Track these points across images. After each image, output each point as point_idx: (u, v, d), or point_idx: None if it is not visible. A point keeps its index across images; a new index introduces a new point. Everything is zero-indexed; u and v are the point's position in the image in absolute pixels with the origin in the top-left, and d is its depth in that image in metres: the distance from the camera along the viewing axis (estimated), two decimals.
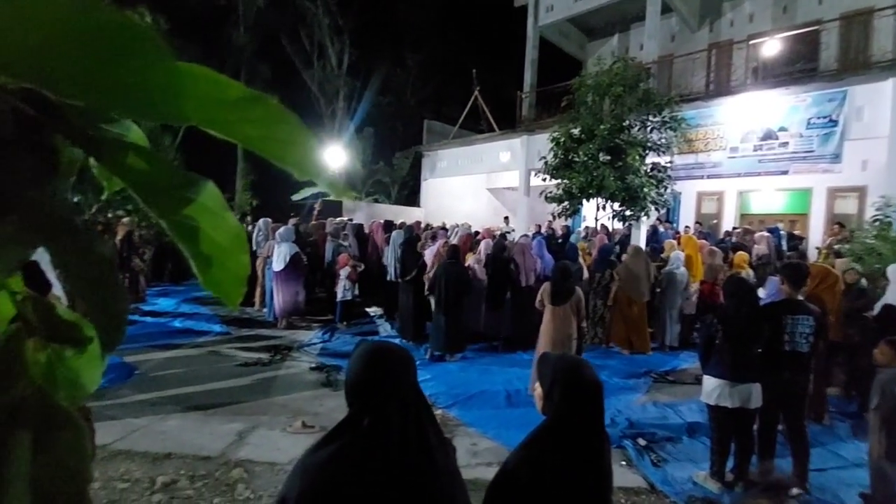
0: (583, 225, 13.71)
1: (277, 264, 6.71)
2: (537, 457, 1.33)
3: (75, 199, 8.33)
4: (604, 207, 9.28)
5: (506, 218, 14.21)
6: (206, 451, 3.41)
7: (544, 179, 9.82)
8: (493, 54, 18.38)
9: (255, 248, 7.87)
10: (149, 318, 6.99)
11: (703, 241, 7.89)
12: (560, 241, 9.18)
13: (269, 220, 8.21)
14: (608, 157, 8.76)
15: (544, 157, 9.78)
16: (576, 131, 9.28)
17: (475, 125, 16.75)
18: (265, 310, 7.45)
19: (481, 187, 17.28)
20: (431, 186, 16.75)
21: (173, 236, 0.42)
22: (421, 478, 1.05)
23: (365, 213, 13.44)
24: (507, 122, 14.95)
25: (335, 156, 14.55)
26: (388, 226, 9.72)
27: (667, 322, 6.70)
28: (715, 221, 12.35)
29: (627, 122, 8.88)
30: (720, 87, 11.62)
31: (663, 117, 8.93)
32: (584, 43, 16.53)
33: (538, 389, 1.44)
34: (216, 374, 5.00)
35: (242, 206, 14.36)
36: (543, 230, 10.99)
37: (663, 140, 9.11)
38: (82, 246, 0.43)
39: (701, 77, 11.95)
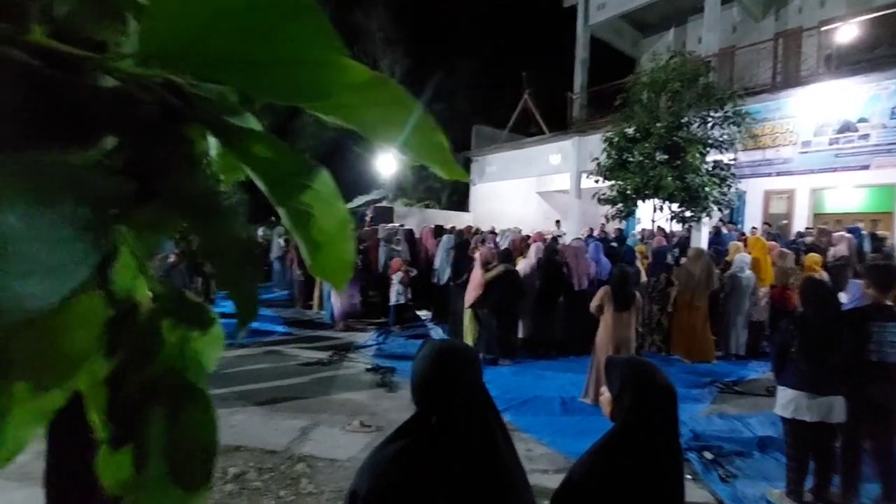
0: (638, 228, 13.23)
1: None
2: (607, 464, 1.30)
3: None
4: (661, 209, 8.92)
5: (557, 221, 13.98)
6: (271, 446, 3.60)
7: (597, 181, 9.59)
8: (541, 57, 18.20)
9: None
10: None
11: (773, 243, 7.38)
12: (614, 244, 8.91)
13: None
14: (665, 156, 8.43)
15: (597, 159, 9.56)
16: (630, 130, 9.01)
17: (525, 129, 16.61)
18: (323, 312, 7.75)
19: (531, 191, 17.09)
20: (481, 191, 16.77)
21: (288, 223, 0.43)
22: (488, 478, 1.06)
23: (416, 218, 13.66)
24: (558, 124, 14.72)
25: (387, 163, 14.93)
26: (438, 231, 9.82)
27: (732, 329, 6.32)
28: (785, 222, 11.51)
29: (686, 118, 8.50)
30: (789, 78, 10.86)
31: (725, 112, 8.48)
32: (638, 40, 16.01)
33: (606, 394, 1.41)
34: (280, 372, 5.28)
35: None
36: (596, 233, 10.71)
37: (726, 136, 8.64)
38: (224, 228, 0.47)
39: (767, 68, 11.21)
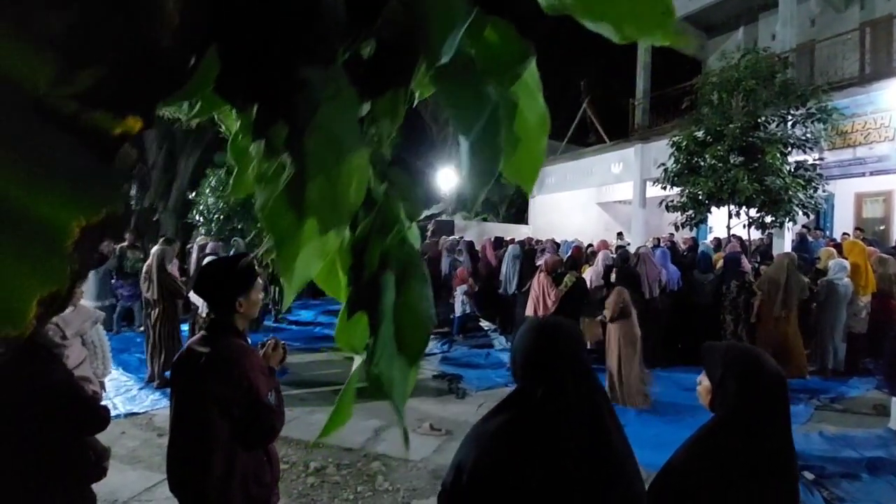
0: (710, 236, 12.49)
1: None
2: (709, 455, 1.24)
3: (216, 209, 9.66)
4: (737, 214, 8.38)
5: (619, 234, 13.50)
6: (348, 444, 3.72)
7: (664, 188, 9.19)
8: (600, 65, 17.84)
9: None
10: (294, 327, 7.90)
11: (871, 248, 6.70)
12: (686, 253, 8.46)
13: None
14: (741, 159, 7.94)
15: (663, 165, 9.17)
16: (700, 134, 8.59)
17: (582, 139, 16.31)
18: None
19: (591, 202, 16.67)
20: (539, 203, 16.58)
21: (473, 128, 0.44)
22: (595, 453, 1.03)
23: (475, 231, 13.73)
24: (618, 132, 14.34)
25: (447, 178, 15.18)
26: (499, 242, 9.83)
27: (828, 342, 5.77)
28: (882, 227, 10.43)
29: (763, 118, 7.99)
30: (880, 69, 9.92)
31: (808, 109, 7.89)
32: (704, 41, 15.33)
33: (704, 382, 1.35)
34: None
35: None
36: (663, 244, 10.22)
37: (809, 135, 8.02)
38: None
39: (853, 61, 10.33)
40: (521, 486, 1.02)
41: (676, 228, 9.35)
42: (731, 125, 7.98)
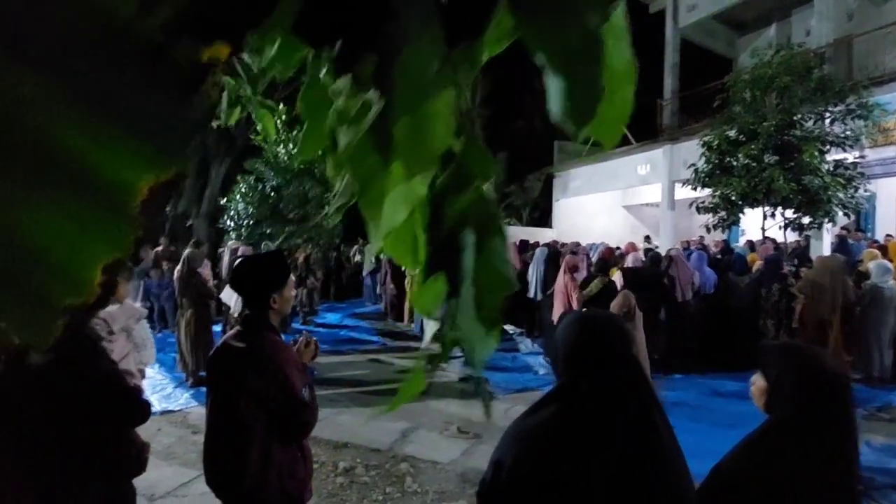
0: (742, 239, 12.09)
1: None
2: (763, 459, 1.17)
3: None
4: (772, 216, 8.09)
5: (647, 237, 13.21)
6: (376, 444, 3.73)
7: (694, 189, 8.96)
8: None
9: (404, 267, 8.53)
10: (321, 329, 8.02)
11: None
12: (719, 255, 8.20)
13: None
14: (776, 158, 7.67)
15: (694, 165, 8.94)
16: (732, 133, 8.34)
17: None
18: (413, 325, 7.97)
19: (616, 205, 16.41)
20: (564, 206, 16.42)
21: (570, 60, 0.40)
22: (643, 448, 0.99)
23: None
24: (644, 133, 14.07)
25: None
26: (523, 246, 9.75)
27: (874, 348, 5.48)
28: None
29: (799, 115, 7.71)
30: None
31: (848, 106, 7.57)
32: (734, 39, 14.94)
33: (759, 382, 1.28)
34: (378, 377, 5.52)
35: None
36: (692, 247, 9.94)
37: (849, 132, 7.69)
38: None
39: (895, 55, 9.89)
40: (565, 483, 0.99)
41: (708, 230, 9.09)
42: (764, 123, 7.74)
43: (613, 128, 0.46)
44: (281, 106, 11.23)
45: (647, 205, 16.10)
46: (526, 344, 7.25)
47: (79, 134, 0.32)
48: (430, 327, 0.52)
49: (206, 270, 5.45)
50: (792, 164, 7.52)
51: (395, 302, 9.04)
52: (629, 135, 14.47)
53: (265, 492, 1.50)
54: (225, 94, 1.45)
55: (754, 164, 7.75)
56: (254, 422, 1.49)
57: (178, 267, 5.35)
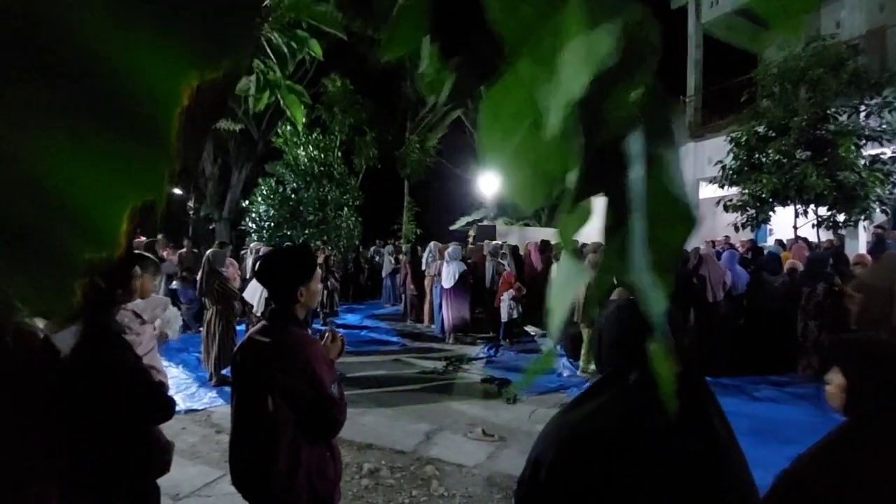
0: (769, 238, 11.73)
1: (447, 281, 7.09)
2: (841, 465, 1.07)
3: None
4: (805, 213, 7.80)
5: None
6: (400, 446, 3.66)
7: (721, 186, 8.70)
8: None
9: (423, 267, 8.49)
10: (341, 330, 7.97)
11: None
12: (746, 255, 7.93)
13: (438, 242, 8.79)
14: (808, 153, 7.40)
15: (721, 162, 8.68)
16: (761, 129, 8.08)
17: None
18: (434, 326, 7.90)
19: None
20: None
21: None
22: (698, 439, 0.90)
23: (516, 236, 13.51)
24: None
25: (490, 184, 15.08)
26: (545, 246, 9.60)
27: None
28: None
29: (832, 109, 7.43)
30: None
31: (885, 98, 7.25)
32: (758, 33, 14.54)
33: (837, 380, 1.16)
34: (400, 379, 5.45)
35: (409, 235, 15.78)
36: (718, 247, 9.66)
37: (885, 125, 7.37)
38: None
39: None
40: (611, 481, 0.90)
41: (736, 229, 8.81)
42: (796, 118, 7.47)
43: (798, 13, 0.37)
44: (301, 108, 11.36)
45: None
46: (548, 345, 7.10)
47: (109, 28, 0.25)
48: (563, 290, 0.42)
49: (231, 270, 5.47)
50: (825, 159, 7.25)
51: (416, 303, 8.99)
52: None
53: (293, 492, 1.44)
54: (254, 78, 1.41)
55: (785, 161, 7.49)
56: (282, 419, 1.43)
57: (202, 266, 5.39)
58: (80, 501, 1.55)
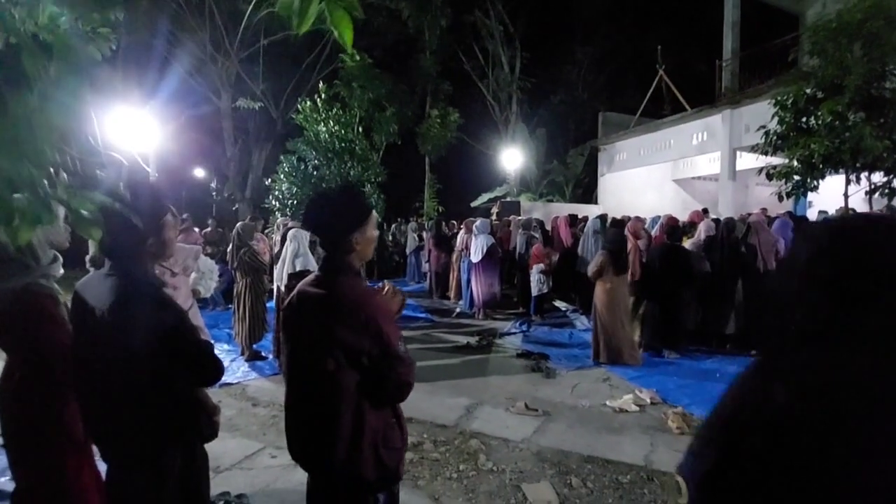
0: (809, 211, 11.16)
1: (475, 255, 6.88)
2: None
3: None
4: (857, 180, 7.29)
5: (704, 210, 12.41)
6: (441, 420, 3.52)
7: (765, 153, 8.20)
8: (672, 32, 16.47)
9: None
10: None
11: None
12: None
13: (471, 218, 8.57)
14: (863, 114, 6.87)
15: (763, 127, 8.17)
16: (809, 90, 7.54)
17: (656, 111, 15.17)
18: (461, 302, 7.73)
19: (665, 178, 15.54)
20: (609, 182, 15.68)
21: None
22: None
23: (541, 212, 13.19)
24: (700, 99, 13.13)
25: (511, 159, 14.70)
26: (573, 220, 9.32)
27: None
28: None
29: (892, 66, 6.86)
30: None
31: None
32: None
33: None
34: (433, 354, 5.32)
35: (430, 212, 15.55)
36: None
37: None
38: None
39: None
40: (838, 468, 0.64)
41: (780, 199, 8.34)
42: (850, 76, 6.92)
43: None
44: (321, 84, 11.12)
45: (699, 178, 15.20)
46: (581, 321, 6.87)
47: None
48: None
49: (262, 245, 5.37)
50: (882, 120, 6.73)
51: (440, 280, 8.83)
52: (683, 101, 13.59)
53: (359, 463, 1.27)
54: None
55: (838, 123, 6.97)
56: (344, 381, 1.25)
57: (232, 240, 5.30)
58: (128, 468, 1.42)
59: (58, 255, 1.85)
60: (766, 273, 5.24)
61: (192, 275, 2.02)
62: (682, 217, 12.03)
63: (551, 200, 16.27)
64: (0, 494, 2.61)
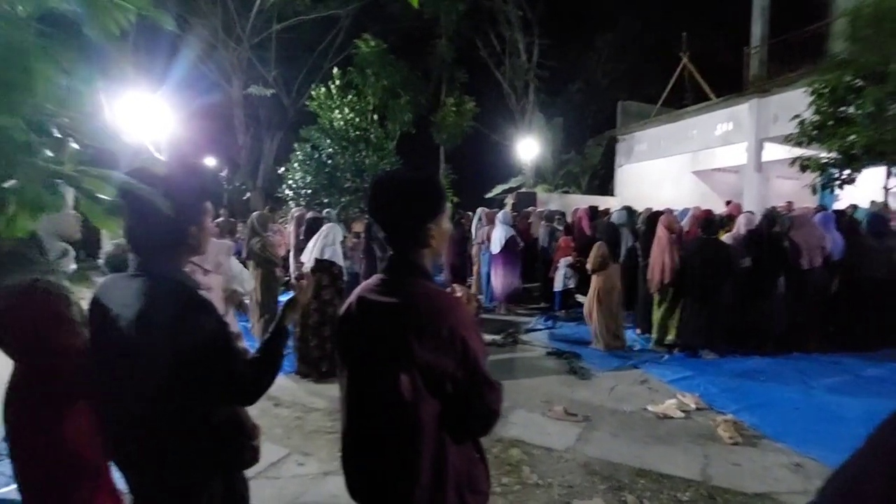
0: (836, 204, 10.78)
1: (495, 247, 6.63)
2: None
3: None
4: None
5: (727, 202, 12.04)
6: None
7: (800, 143, 7.84)
8: (696, 19, 15.94)
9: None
10: None
11: None
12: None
13: (486, 208, 8.30)
14: None
15: (798, 116, 7.79)
16: (847, 77, 7.15)
17: (677, 100, 14.73)
18: (481, 296, 7.49)
19: (684, 170, 15.11)
20: (626, 173, 15.29)
21: None
22: None
23: (557, 203, 12.88)
24: (725, 88, 12.68)
25: (527, 149, 14.36)
26: (594, 212, 9.02)
27: None
28: None
29: None
30: None
31: None
32: None
33: None
34: None
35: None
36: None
37: None
38: None
39: None
40: None
41: (814, 192, 8.01)
42: (893, 64, 6.55)
43: None
44: (335, 70, 10.84)
45: (719, 170, 14.78)
46: None
47: None
48: None
49: (277, 237, 5.16)
50: None
51: (457, 273, 8.58)
52: (708, 90, 13.14)
53: None
54: None
55: (878, 113, 6.60)
56: (424, 413, 1.01)
57: (247, 229, 5.10)
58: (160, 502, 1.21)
59: (68, 248, 1.62)
60: (812, 271, 4.95)
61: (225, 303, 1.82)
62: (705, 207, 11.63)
63: (567, 192, 15.92)
64: None
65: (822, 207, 8.80)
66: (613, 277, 5.25)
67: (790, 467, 2.88)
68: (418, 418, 1.01)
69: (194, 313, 1.12)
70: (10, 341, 1.50)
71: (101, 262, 1.96)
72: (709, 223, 4.99)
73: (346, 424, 1.15)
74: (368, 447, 1.09)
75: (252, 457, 1.33)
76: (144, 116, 7.32)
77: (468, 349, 1.04)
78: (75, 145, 1.01)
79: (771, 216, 5.24)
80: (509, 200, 12.74)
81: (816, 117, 7.49)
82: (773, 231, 5.11)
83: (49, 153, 0.89)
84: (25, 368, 1.54)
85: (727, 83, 12.79)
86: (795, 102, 8.13)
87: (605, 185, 17.10)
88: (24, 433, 1.55)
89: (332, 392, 4.05)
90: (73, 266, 1.60)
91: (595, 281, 5.29)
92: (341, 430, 1.17)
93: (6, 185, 0.76)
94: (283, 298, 5.48)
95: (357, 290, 1.20)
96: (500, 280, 6.85)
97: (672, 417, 3.54)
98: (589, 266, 5.29)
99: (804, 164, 7.80)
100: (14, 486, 2.55)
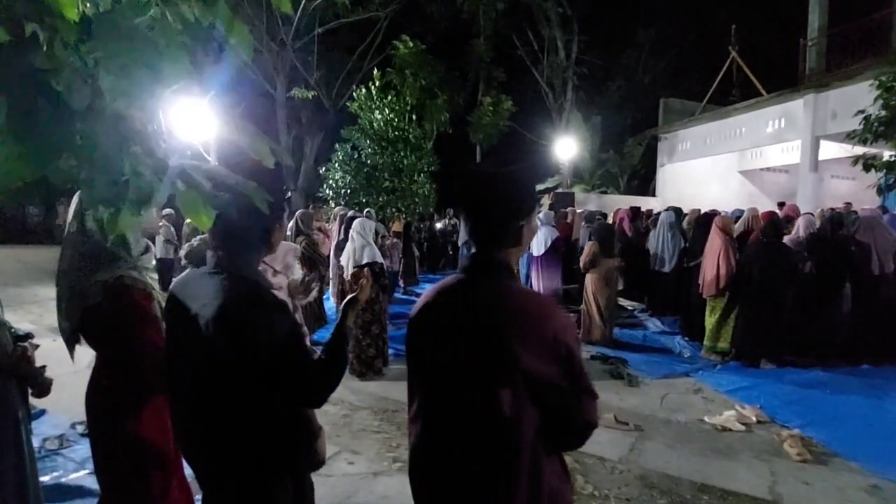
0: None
1: (538, 249, 6.51)
2: None
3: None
4: None
5: (780, 204, 11.43)
6: None
7: (864, 141, 7.34)
8: (743, 11, 15.24)
9: None
10: None
11: None
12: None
13: None
14: None
15: (862, 112, 7.31)
16: None
17: (723, 97, 14.13)
18: None
19: (731, 170, 14.47)
20: (668, 172, 14.78)
21: None
22: None
23: (595, 204, 12.59)
24: (777, 83, 12.06)
25: (565, 149, 14.11)
26: (635, 213, 8.76)
27: None
28: None
29: None
30: None
31: None
32: None
33: None
34: None
35: None
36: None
37: None
38: None
39: None
40: None
41: (879, 193, 7.49)
42: None
43: None
44: (375, 71, 10.96)
45: (767, 169, 14.11)
46: (654, 323, 6.39)
47: None
48: None
49: (322, 235, 5.23)
50: None
51: None
52: (759, 86, 12.54)
53: None
54: None
55: None
56: (525, 426, 0.96)
57: (290, 229, 5.19)
58: (229, 498, 1.22)
59: (150, 244, 1.67)
60: (882, 276, 4.61)
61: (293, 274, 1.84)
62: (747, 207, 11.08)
63: (605, 192, 15.56)
64: (80, 491, 2.54)
65: (884, 209, 8.26)
66: (609, 273, 5.49)
67: (867, 489, 2.68)
68: (519, 432, 0.95)
69: (271, 314, 1.12)
70: (94, 334, 1.56)
71: (181, 255, 1.99)
72: (774, 226, 4.72)
73: (419, 436, 1.09)
74: (452, 463, 1.04)
75: (319, 459, 1.32)
76: (194, 119, 7.58)
77: (573, 356, 0.98)
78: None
79: (837, 218, 4.91)
80: (546, 200, 12.54)
81: (883, 112, 7.01)
82: (839, 234, 4.80)
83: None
84: (107, 360, 1.60)
85: (777, 78, 12.17)
86: (857, 97, 7.63)
87: (644, 185, 16.63)
88: (105, 422, 1.60)
89: (375, 390, 4.05)
90: (154, 262, 1.65)
91: (588, 279, 5.54)
92: (412, 442, 1.12)
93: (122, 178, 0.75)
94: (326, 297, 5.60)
95: (432, 292, 1.15)
96: (542, 283, 6.72)
97: (732, 430, 3.36)
98: (581, 265, 5.61)
99: (868, 164, 7.30)
100: (83, 471, 2.69)
